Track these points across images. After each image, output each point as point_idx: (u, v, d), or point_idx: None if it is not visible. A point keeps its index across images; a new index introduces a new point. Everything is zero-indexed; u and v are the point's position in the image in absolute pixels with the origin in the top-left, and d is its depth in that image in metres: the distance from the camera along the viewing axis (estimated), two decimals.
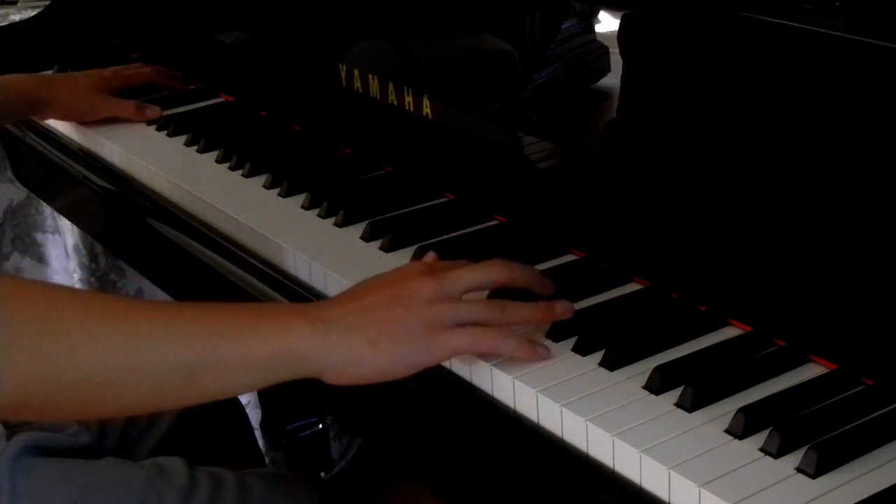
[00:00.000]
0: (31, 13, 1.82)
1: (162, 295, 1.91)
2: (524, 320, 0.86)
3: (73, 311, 0.75)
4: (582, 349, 0.86)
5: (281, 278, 1.07)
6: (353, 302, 0.82)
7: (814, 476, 0.71)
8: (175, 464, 1.10)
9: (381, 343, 0.80)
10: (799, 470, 0.72)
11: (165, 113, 1.46)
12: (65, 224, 2.01)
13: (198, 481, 1.08)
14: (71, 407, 0.76)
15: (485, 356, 0.86)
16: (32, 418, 0.79)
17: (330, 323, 0.80)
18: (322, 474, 1.72)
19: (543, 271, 0.98)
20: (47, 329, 0.73)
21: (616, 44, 0.97)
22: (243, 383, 0.78)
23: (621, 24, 0.97)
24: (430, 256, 0.91)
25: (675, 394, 0.80)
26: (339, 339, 0.79)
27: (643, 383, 0.82)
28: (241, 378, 0.77)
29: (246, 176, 1.25)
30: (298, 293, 1.04)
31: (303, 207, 1.16)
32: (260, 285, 1.07)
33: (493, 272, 0.87)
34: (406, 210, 1.12)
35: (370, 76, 1.22)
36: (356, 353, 0.80)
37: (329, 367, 0.80)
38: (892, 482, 0.71)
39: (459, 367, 0.88)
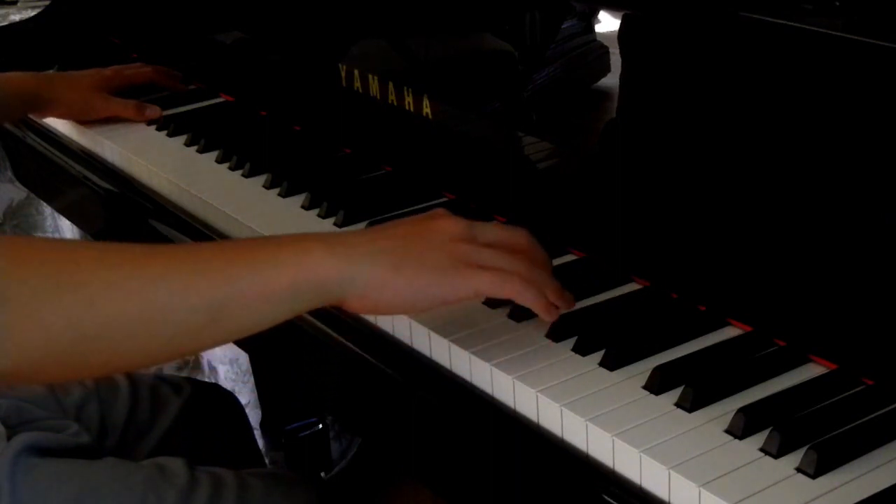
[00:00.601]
0: (31, 13, 1.82)
1: None
2: (543, 282, 0.85)
3: (87, 260, 0.74)
4: (582, 349, 0.86)
5: None
6: (374, 233, 0.81)
7: (814, 476, 0.71)
8: (175, 464, 1.10)
9: (405, 270, 0.78)
10: (799, 470, 0.72)
11: (165, 113, 1.46)
12: (65, 224, 2.01)
13: (198, 481, 1.08)
14: (96, 360, 0.74)
15: (484, 353, 0.86)
16: (58, 378, 0.76)
17: (353, 248, 0.78)
18: (322, 474, 1.72)
19: None
20: (63, 281, 0.71)
21: (616, 44, 0.97)
22: (267, 316, 0.76)
23: (622, 24, 0.97)
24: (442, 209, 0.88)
25: (675, 394, 0.80)
26: (362, 262, 0.78)
27: (643, 383, 0.82)
28: (265, 311, 0.76)
29: (246, 176, 1.25)
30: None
31: (303, 207, 1.16)
32: None
33: (517, 236, 0.86)
34: (406, 210, 1.12)
35: (370, 76, 1.22)
36: (380, 279, 0.78)
37: (351, 290, 0.77)
38: (892, 482, 0.71)
39: (459, 367, 0.88)
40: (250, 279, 0.75)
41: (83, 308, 0.71)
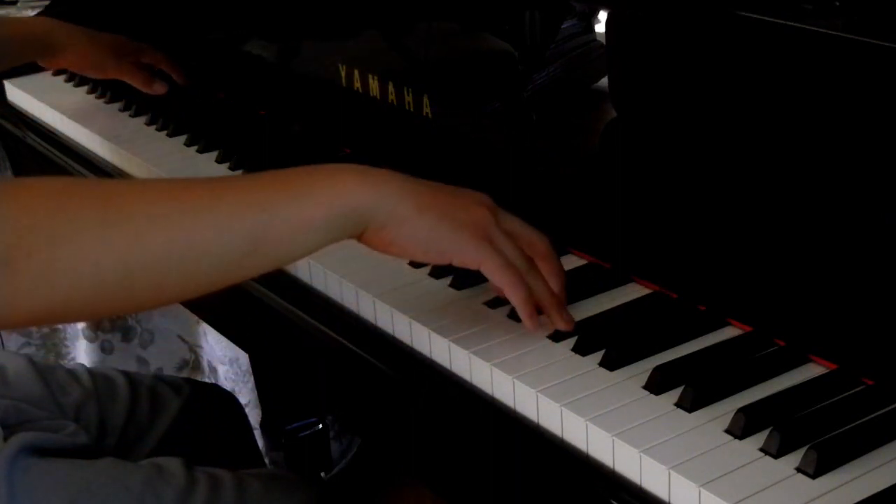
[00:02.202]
0: (31, 13, 1.82)
1: None
2: (540, 293, 0.86)
3: (131, 195, 0.75)
4: (582, 349, 0.86)
5: (281, 277, 1.06)
6: (412, 182, 0.83)
7: (814, 476, 0.71)
8: (173, 464, 1.10)
9: (427, 214, 0.81)
10: (799, 470, 0.72)
11: (165, 112, 1.46)
12: None
13: (196, 481, 1.08)
14: (143, 293, 0.76)
15: (484, 353, 0.86)
16: (106, 312, 0.82)
17: (385, 181, 0.80)
18: (322, 474, 1.72)
19: None
20: (109, 217, 0.73)
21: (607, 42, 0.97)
22: (304, 244, 0.78)
23: (618, 24, 0.97)
24: None
25: (675, 394, 0.80)
26: (391, 194, 0.80)
27: (643, 383, 0.82)
28: (301, 239, 0.77)
29: None
30: (298, 292, 1.04)
31: None
32: (259, 285, 1.07)
33: (537, 236, 0.88)
34: None
35: (370, 76, 1.22)
36: (402, 215, 0.80)
37: (373, 220, 0.79)
38: (892, 482, 0.71)
39: (459, 367, 0.88)
40: (287, 209, 0.77)
41: (130, 242, 0.73)
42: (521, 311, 0.86)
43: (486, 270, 0.84)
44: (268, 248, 0.77)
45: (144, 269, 0.74)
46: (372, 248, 0.83)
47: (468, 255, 0.83)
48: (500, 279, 0.84)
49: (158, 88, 1.46)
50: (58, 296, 0.72)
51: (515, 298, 0.85)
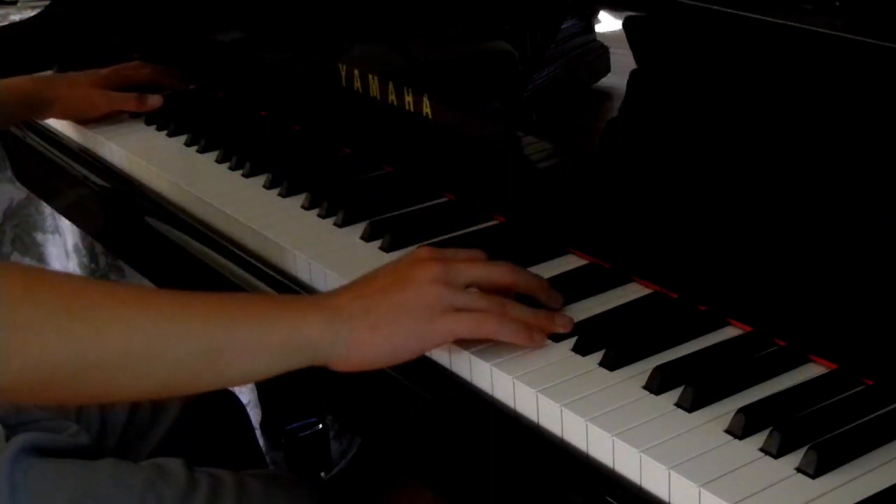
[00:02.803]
0: (31, 13, 1.82)
1: None
2: (522, 321, 0.86)
3: (98, 294, 0.78)
4: (582, 349, 0.86)
5: (281, 278, 1.07)
6: (358, 289, 0.85)
7: (814, 476, 0.71)
8: (174, 464, 1.10)
9: (381, 327, 0.82)
10: (799, 470, 0.72)
11: (165, 113, 1.46)
12: (65, 224, 2.01)
13: (197, 482, 1.08)
14: (92, 389, 0.78)
15: (484, 353, 0.86)
16: (53, 401, 0.83)
17: (336, 311, 0.82)
18: (322, 474, 1.72)
19: (543, 271, 0.99)
20: (75, 311, 0.75)
21: (616, 44, 0.97)
22: (258, 369, 0.80)
23: (624, 24, 0.97)
24: (424, 250, 0.91)
25: (675, 394, 0.80)
26: (343, 327, 0.82)
27: (643, 383, 0.82)
28: (256, 363, 0.80)
29: (246, 176, 1.25)
30: (298, 293, 1.04)
31: (303, 207, 1.16)
32: (260, 284, 1.07)
33: (498, 272, 0.88)
34: (406, 210, 1.12)
35: (370, 76, 1.22)
36: (358, 339, 0.82)
37: (335, 353, 0.82)
38: (892, 482, 0.71)
39: (459, 367, 0.88)
40: (247, 332, 0.79)
41: (90, 337, 0.75)
42: (519, 343, 0.85)
43: (466, 336, 0.85)
44: (224, 366, 0.79)
45: (98, 365, 0.76)
46: (349, 371, 0.84)
47: (438, 338, 0.85)
48: (483, 335, 0.85)
49: (153, 103, 1.45)
50: (8, 377, 0.74)
51: (506, 338, 0.85)
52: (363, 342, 0.82)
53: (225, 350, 0.78)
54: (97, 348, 0.75)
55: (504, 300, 0.87)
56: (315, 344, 0.81)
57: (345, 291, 0.86)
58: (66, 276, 0.83)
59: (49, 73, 1.60)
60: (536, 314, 0.87)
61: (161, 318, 0.77)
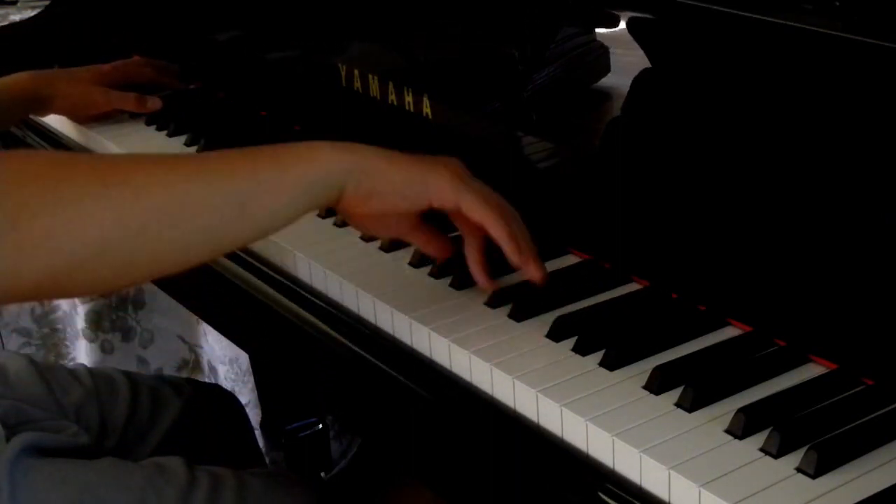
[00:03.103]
0: (31, 13, 1.82)
1: (162, 295, 1.91)
2: (521, 234, 0.89)
3: (127, 163, 0.81)
4: (582, 349, 0.86)
5: (281, 278, 1.07)
6: (380, 148, 0.88)
7: (814, 476, 0.71)
8: (174, 463, 1.10)
9: (398, 163, 0.86)
10: (799, 470, 0.72)
11: (165, 113, 1.46)
12: None
13: (197, 480, 1.08)
14: (141, 257, 0.79)
15: (485, 353, 0.86)
16: (111, 280, 0.81)
17: (356, 147, 0.86)
18: (322, 474, 1.72)
19: None
20: (108, 180, 0.77)
21: (616, 44, 0.97)
22: (287, 207, 0.83)
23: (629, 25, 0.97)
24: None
25: (675, 394, 0.80)
26: (362, 155, 0.86)
27: (643, 383, 0.82)
28: (284, 202, 0.83)
29: None
30: (298, 292, 1.04)
31: None
32: (259, 284, 1.07)
33: (499, 196, 0.90)
34: None
35: (370, 76, 1.22)
36: (374, 167, 0.86)
37: (351, 179, 0.85)
38: (892, 482, 0.71)
39: (459, 367, 0.88)
40: (270, 173, 0.83)
41: (129, 201, 0.76)
42: (507, 246, 0.88)
43: (467, 208, 0.87)
44: (254, 211, 0.81)
45: (142, 228, 0.77)
46: (355, 212, 0.87)
47: (446, 193, 0.87)
48: (481, 215, 0.88)
49: (153, 105, 1.45)
50: (62, 260, 0.75)
51: (499, 232, 0.88)
52: (378, 171, 0.85)
53: (254, 194, 0.81)
54: (137, 211, 0.77)
55: (515, 214, 0.90)
56: (334, 171, 0.84)
57: (360, 144, 0.88)
58: (92, 155, 0.87)
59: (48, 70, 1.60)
60: (531, 246, 0.90)
61: (191, 174, 0.80)
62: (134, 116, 1.48)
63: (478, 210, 0.87)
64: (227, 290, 1.11)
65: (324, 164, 0.84)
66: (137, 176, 0.78)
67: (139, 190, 0.77)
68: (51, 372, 1.25)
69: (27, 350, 2.06)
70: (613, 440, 0.76)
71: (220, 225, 0.81)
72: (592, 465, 0.78)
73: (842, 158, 0.81)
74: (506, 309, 0.93)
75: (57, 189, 0.75)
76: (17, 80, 1.44)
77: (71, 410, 1.22)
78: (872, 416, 0.76)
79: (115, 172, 0.78)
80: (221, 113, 1.49)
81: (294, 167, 0.83)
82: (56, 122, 1.52)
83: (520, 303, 0.92)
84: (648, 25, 0.95)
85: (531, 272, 0.91)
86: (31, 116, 1.57)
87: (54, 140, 1.50)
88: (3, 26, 1.78)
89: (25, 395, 1.20)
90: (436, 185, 0.87)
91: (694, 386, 0.79)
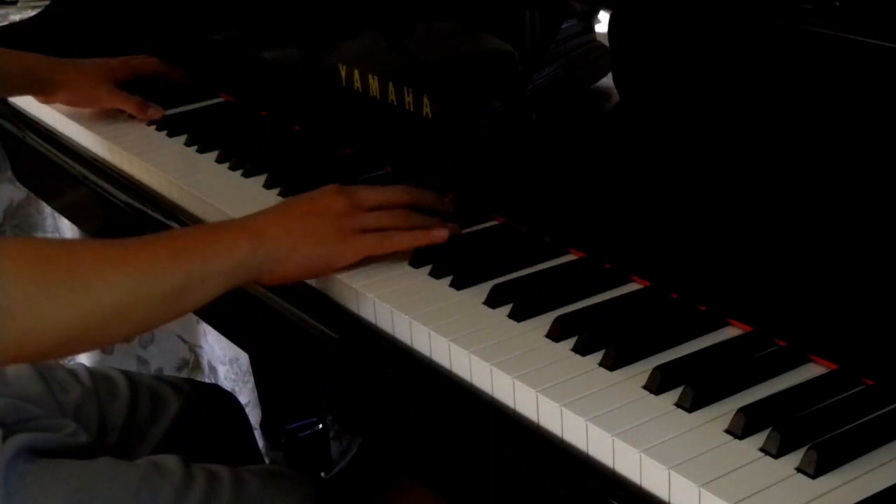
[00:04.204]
0: (31, 13, 1.82)
1: None
2: (426, 201, 1.05)
3: (91, 262, 0.90)
4: (582, 349, 0.86)
5: None
6: (278, 214, 1.00)
7: (814, 476, 0.71)
8: (170, 461, 1.10)
9: (301, 248, 0.98)
10: (799, 470, 0.72)
11: (165, 112, 1.46)
12: (65, 224, 2.01)
13: (194, 477, 1.08)
14: (92, 342, 0.95)
15: (485, 353, 0.86)
16: (64, 354, 0.96)
17: (261, 235, 0.97)
18: (322, 474, 1.72)
19: (543, 271, 0.99)
20: (75, 284, 0.87)
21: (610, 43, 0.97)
22: (212, 293, 0.95)
23: (614, 22, 0.97)
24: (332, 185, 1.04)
25: (675, 394, 0.80)
26: (269, 249, 0.96)
27: (643, 383, 0.82)
28: (211, 290, 0.94)
29: (246, 176, 1.25)
30: (298, 292, 1.04)
31: None
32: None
33: (395, 193, 1.05)
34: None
35: (370, 76, 1.22)
36: (283, 259, 0.97)
37: (265, 270, 0.97)
38: (892, 482, 0.71)
39: (459, 367, 0.88)
40: (203, 267, 0.94)
41: (91, 306, 0.88)
42: (421, 243, 1.01)
43: (376, 253, 1.00)
44: (188, 297, 0.93)
45: (99, 324, 0.89)
46: (274, 285, 1.00)
47: (350, 257, 1.00)
48: (388, 250, 1.00)
49: (153, 114, 1.45)
50: (21, 350, 0.87)
51: (405, 245, 1.01)
52: (287, 261, 0.97)
53: (189, 285, 0.92)
54: (98, 313, 0.88)
55: (405, 212, 1.03)
56: (250, 265, 0.96)
57: (267, 214, 1.00)
58: (58, 246, 0.98)
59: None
60: (425, 219, 1.04)
61: (141, 273, 0.91)
62: (133, 116, 1.48)
63: (378, 253, 1.00)
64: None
65: (243, 260, 0.95)
66: (99, 280, 0.88)
67: (101, 296, 0.88)
68: (50, 371, 1.25)
69: None
70: (613, 440, 0.76)
71: (161, 311, 0.93)
72: (592, 465, 0.78)
73: (841, 158, 0.81)
74: (506, 309, 0.93)
75: (23, 288, 0.85)
76: (31, 57, 1.45)
77: (70, 409, 1.22)
78: (872, 416, 0.76)
79: (80, 275, 0.88)
80: (221, 113, 1.49)
81: (221, 262, 0.94)
82: (56, 122, 1.52)
83: (520, 303, 0.92)
84: (649, 25, 0.95)
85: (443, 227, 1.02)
86: (32, 115, 1.58)
87: (54, 140, 1.50)
88: (3, 26, 1.78)
89: (24, 393, 1.19)
90: (338, 257, 0.99)
91: (694, 386, 0.79)
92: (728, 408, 0.78)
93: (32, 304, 0.85)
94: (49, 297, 0.86)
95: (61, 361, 2.05)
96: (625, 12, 0.96)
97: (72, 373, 1.27)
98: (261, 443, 1.67)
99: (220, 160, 1.30)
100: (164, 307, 0.93)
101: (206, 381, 2.01)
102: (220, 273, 0.94)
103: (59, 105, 1.52)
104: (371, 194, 1.03)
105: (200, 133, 1.37)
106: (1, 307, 0.83)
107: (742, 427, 0.75)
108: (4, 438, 1.07)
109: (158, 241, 0.96)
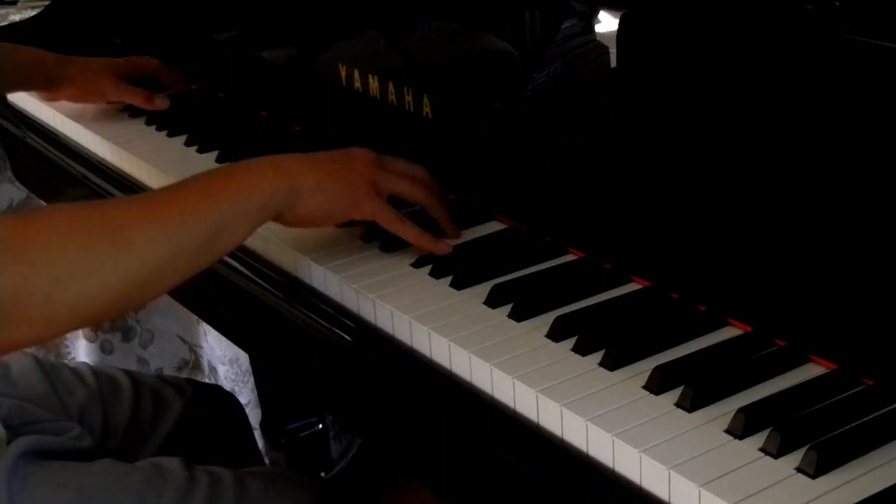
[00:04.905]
0: (31, 13, 1.82)
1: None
2: (439, 215, 1.05)
3: (129, 221, 0.91)
4: (582, 349, 0.86)
5: (280, 278, 1.07)
6: (307, 157, 1.02)
7: (814, 476, 0.71)
8: (173, 463, 1.10)
9: (325, 188, 1.00)
10: (799, 470, 0.72)
11: (166, 112, 1.46)
12: None
13: (196, 480, 1.08)
14: (140, 299, 0.93)
15: (485, 353, 0.86)
16: (116, 315, 1.00)
17: (290, 175, 0.99)
18: (322, 474, 1.72)
19: (543, 271, 0.99)
20: (120, 245, 0.88)
21: (616, 44, 0.97)
22: (244, 231, 0.96)
23: (620, 24, 0.97)
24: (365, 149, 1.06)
25: (675, 394, 0.80)
26: (295, 188, 0.98)
27: (643, 383, 0.82)
28: (244, 227, 0.96)
29: None
30: (298, 293, 1.04)
31: None
32: (261, 283, 1.07)
33: (420, 169, 1.07)
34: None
35: (370, 76, 1.22)
36: (306, 195, 0.99)
37: (287, 206, 0.98)
38: (892, 482, 0.71)
39: (460, 367, 0.88)
40: (233, 209, 0.95)
41: (138, 263, 0.89)
42: (419, 244, 1.02)
43: (380, 221, 1.02)
44: (222, 240, 0.94)
45: (144, 282, 0.90)
46: (291, 225, 1.01)
47: (365, 213, 1.02)
48: (393, 230, 1.02)
49: (160, 104, 1.45)
50: (81, 318, 0.89)
51: (409, 238, 1.02)
52: (309, 198, 0.99)
53: (222, 229, 0.94)
54: (143, 269, 0.89)
55: (436, 191, 1.06)
56: (276, 200, 0.97)
57: (295, 155, 1.01)
58: (97, 210, 0.95)
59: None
60: (450, 221, 1.06)
61: (175, 225, 0.91)
62: (133, 116, 1.48)
63: (387, 225, 1.02)
64: (226, 290, 1.11)
65: (272, 196, 0.97)
66: (139, 236, 0.89)
67: (143, 252, 0.89)
68: (55, 371, 1.25)
69: (27, 349, 2.06)
70: (613, 440, 0.76)
71: (198, 258, 0.93)
72: (592, 465, 0.78)
73: (841, 158, 0.81)
74: (506, 309, 0.93)
75: (74, 256, 0.86)
76: (36, 52, 1.45)
77: (74, 411, 1.22)
78: (872, 416, 0.76)
79: (124, 236, 0.89)
80: (221, 113, 1.49)
81: (250, 201, 0.96)
82: (56, 121, 1.52)
83: (520, 303, 0.92)
84: (649, 25, 0.95)
85: (449, 242, 1.04)
86: (32, 115, 1.58)
87: (54, 140, 1.50)
88: (2, 26, 1.79)
89: (30, 394, 1.19)
90: (355, 206, 1.01)
91: (694, 386, 0.79)
92: (728, 408, 0.78)
93: (82, 271, 0.86)
94: (97, 261, 0.87)
95: (65, 361, 2.05)
96: (633, 14, 0.96)
97: (76, 373, 1.27)
98: (261, 443, 1.67)
99: (220, 160, 1.30)
100: (202, 253, 0.93)
101: (206, 381, 2.01)
102: (251, 209, 0.96)
103: (59, 105, 1.52)
104: (396, 160, 1.06)
105: (200, 133, 1.37)
106: (52, 279, 0.84)
107: (742, 427, 0.75)
108: (9, 440, 1.07)
109: (187, 188, 0.96)
